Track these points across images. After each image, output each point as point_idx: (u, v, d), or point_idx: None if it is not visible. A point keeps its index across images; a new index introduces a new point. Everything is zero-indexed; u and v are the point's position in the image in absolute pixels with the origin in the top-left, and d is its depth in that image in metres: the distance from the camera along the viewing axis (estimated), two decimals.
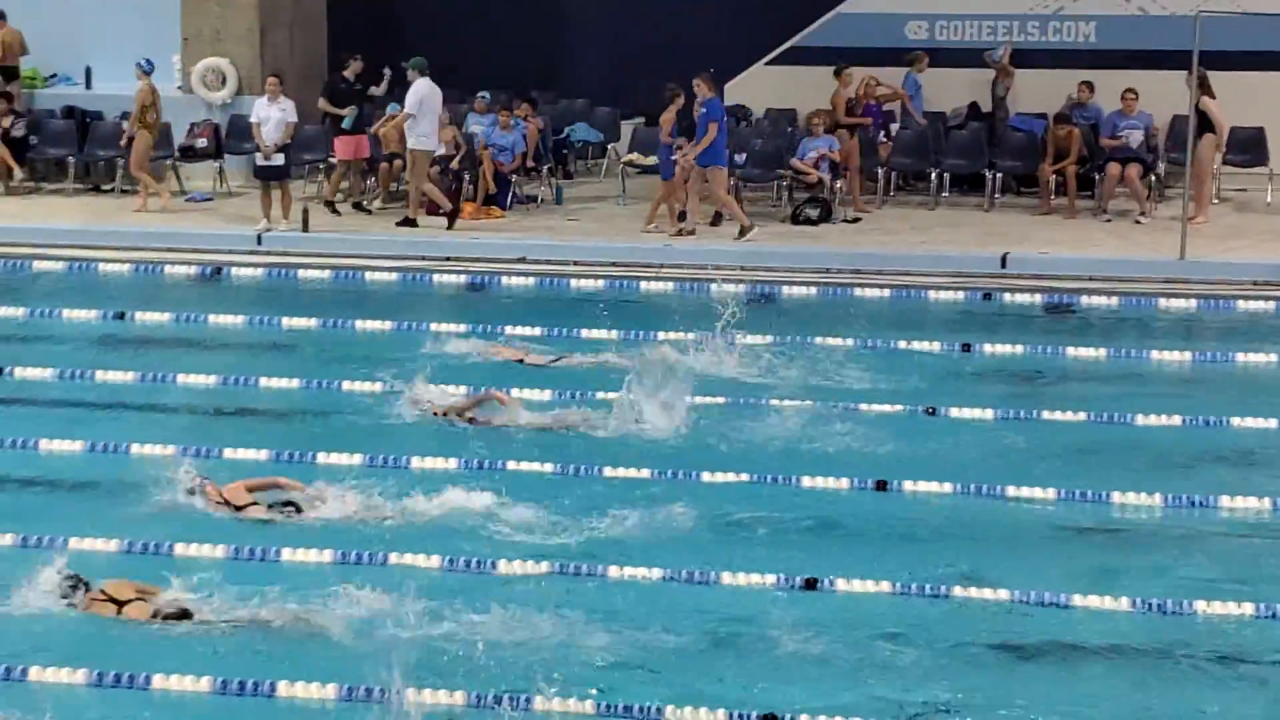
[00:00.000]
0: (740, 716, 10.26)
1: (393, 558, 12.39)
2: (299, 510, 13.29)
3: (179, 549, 12.51)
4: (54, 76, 27.24)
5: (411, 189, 23.70)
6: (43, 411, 15.99)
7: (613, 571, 12.31)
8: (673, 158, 23.15)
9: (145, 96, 24.36)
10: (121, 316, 19.20)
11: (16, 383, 16.84)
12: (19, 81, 26.16)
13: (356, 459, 14.46)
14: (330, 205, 24.03)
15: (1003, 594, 12.03)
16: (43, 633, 11.20)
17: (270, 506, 13.34)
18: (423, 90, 23.42)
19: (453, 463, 14.39)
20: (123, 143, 24.80)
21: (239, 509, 13.26)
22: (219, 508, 13.26)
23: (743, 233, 22.75)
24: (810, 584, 12.16)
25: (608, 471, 14.29)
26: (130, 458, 14.60)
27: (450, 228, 23.29)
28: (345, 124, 24.33)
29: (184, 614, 11.41)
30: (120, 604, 11.49)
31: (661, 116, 23.36)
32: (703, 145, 22.65)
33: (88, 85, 26.84)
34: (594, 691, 10.51)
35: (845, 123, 24.51)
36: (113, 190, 25.52)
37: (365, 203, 24.58)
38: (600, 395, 15.94)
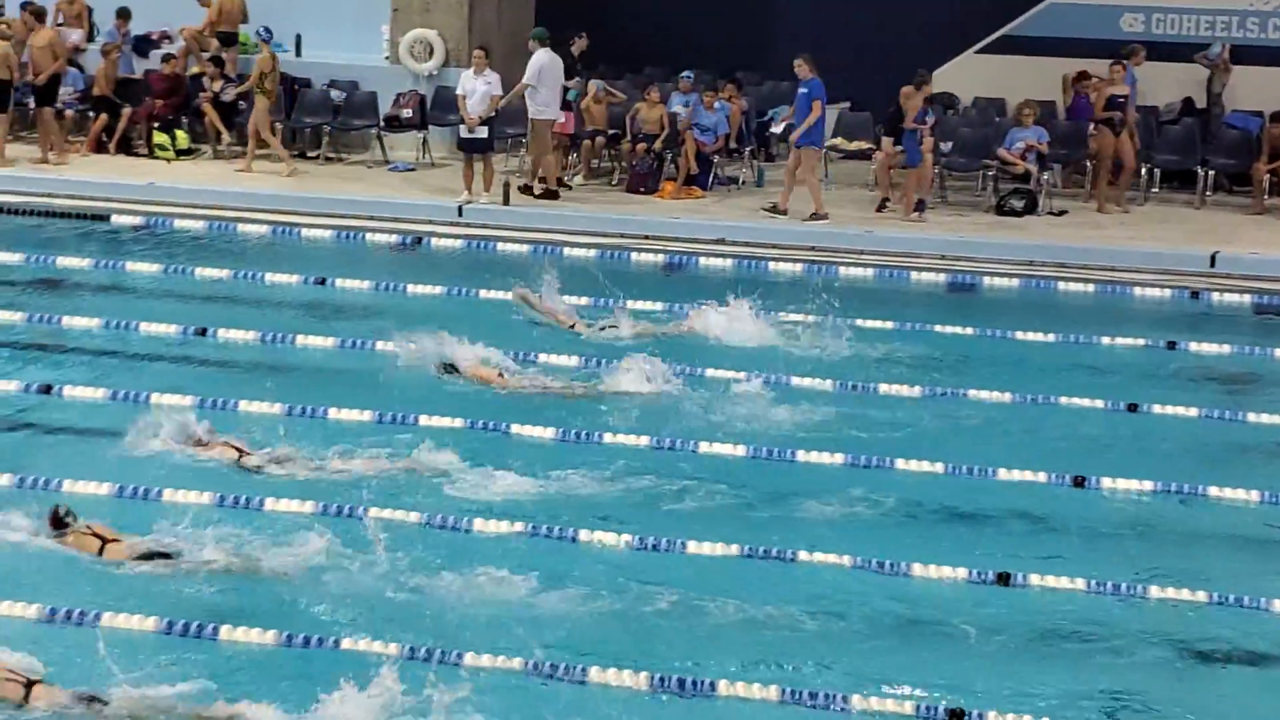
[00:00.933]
0: (927, 709, 10.21)
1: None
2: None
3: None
4: None
5: (532, 159, 24.01)
6: (244, 374, 16.27)
7: (803, 556, 12.29)
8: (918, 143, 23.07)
9: (265, 63, 24.80)
10: (323, 282, 19.48)
11: (220, 343, 17.14)
12: (236, 48, 26.61)
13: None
14: (527, 189, 24.13)
15: (1200, 595, 11.85)
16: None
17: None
18: (543, 60, 23.60)
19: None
20: (239, 103, 25.46)
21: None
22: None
23: (814, 217, 22.68)
24: (1003, 579, 12.05)
25: (799, 456, 14.28)
26: (329, 422, 14.82)
27: (552, 198, 23.62)
28: (570, 95, 24.61)
29: (163, 555, 11.86)
30: (105, 541, 11.93)
31: (909, 102, 23.14)
32: (805, 125, 22.71)
33: (297, 53, 27.20)
34: (780, 677, 10.54)
35: (1099, 117, 23.94)
36: (318, 157, 25.88)
37: (566, 178, 24.70)
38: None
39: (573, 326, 17.70)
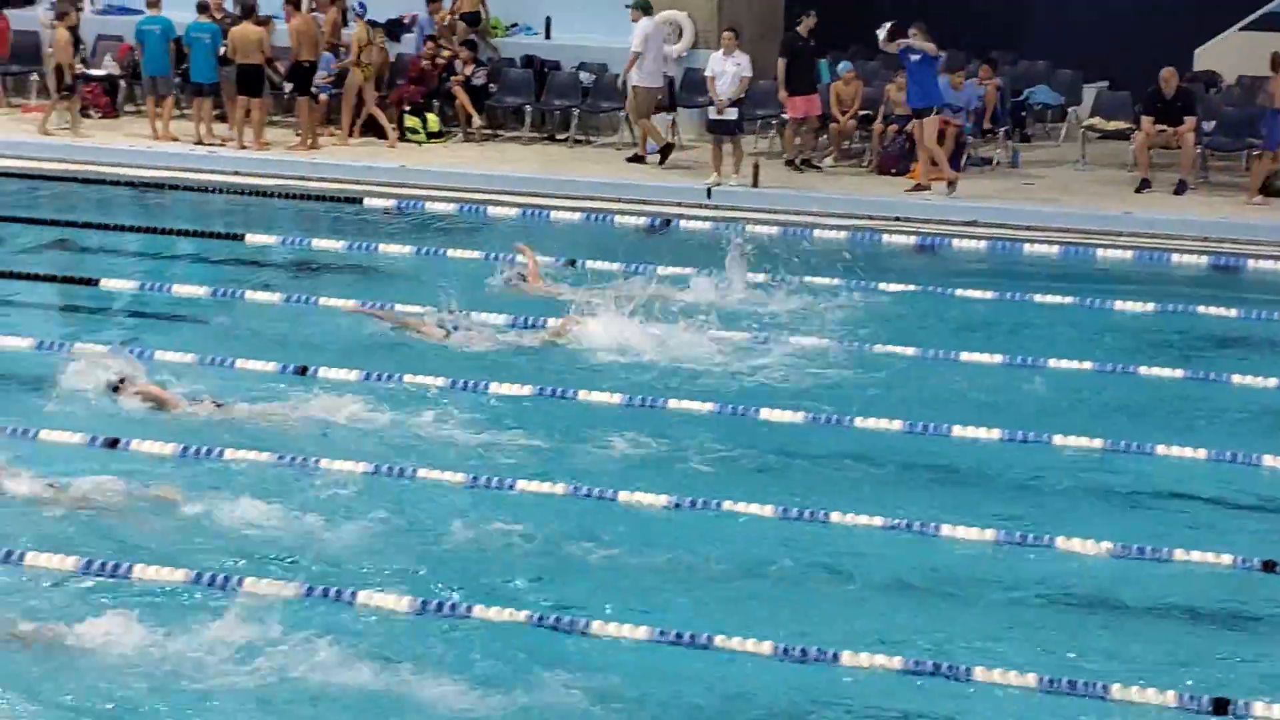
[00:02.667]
0: (1190, 699, 10.02)
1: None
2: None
3: None
4: (514, 26, 27.91)
5: (635, 125, 24.70)
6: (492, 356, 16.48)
7: (1060, 544, 12.16)
8: None
9: (361, 37, 25.32)
10: (572, 264, 19.62)
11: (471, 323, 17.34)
12: (483, 27, 26.93)
13: None
14: (791, 163, 24.13)
15: None
16: None
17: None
18: (647, 29, 24.17)
19: None
20: (328, 79, 25.70)
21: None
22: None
23: (951, 186, 22.93)
24: (1269, 566, 11.80)
25: (1058, 440, 14.14)
26: (577, 403, 14.96)
27: (662, 164, 24.25)
28: (824, 78, 24.60)
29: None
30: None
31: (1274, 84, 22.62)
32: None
33: (547, 35, 27.45)
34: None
35: None
36: (566, 140, 26.09)
37: (816, 160, 24.61)
38: None
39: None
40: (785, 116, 24.66)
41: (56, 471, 12.85)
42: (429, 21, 26.95)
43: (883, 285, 18.46)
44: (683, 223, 22.08)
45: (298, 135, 25.37)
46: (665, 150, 24.42)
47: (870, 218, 22.16)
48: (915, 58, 22.82)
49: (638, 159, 24.58)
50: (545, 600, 11.28)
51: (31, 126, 25.78)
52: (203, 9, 25.41)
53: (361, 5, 26.06)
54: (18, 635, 10.58)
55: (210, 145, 24.98)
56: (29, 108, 27.04)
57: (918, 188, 23.03)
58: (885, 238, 21.40)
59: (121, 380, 14.54)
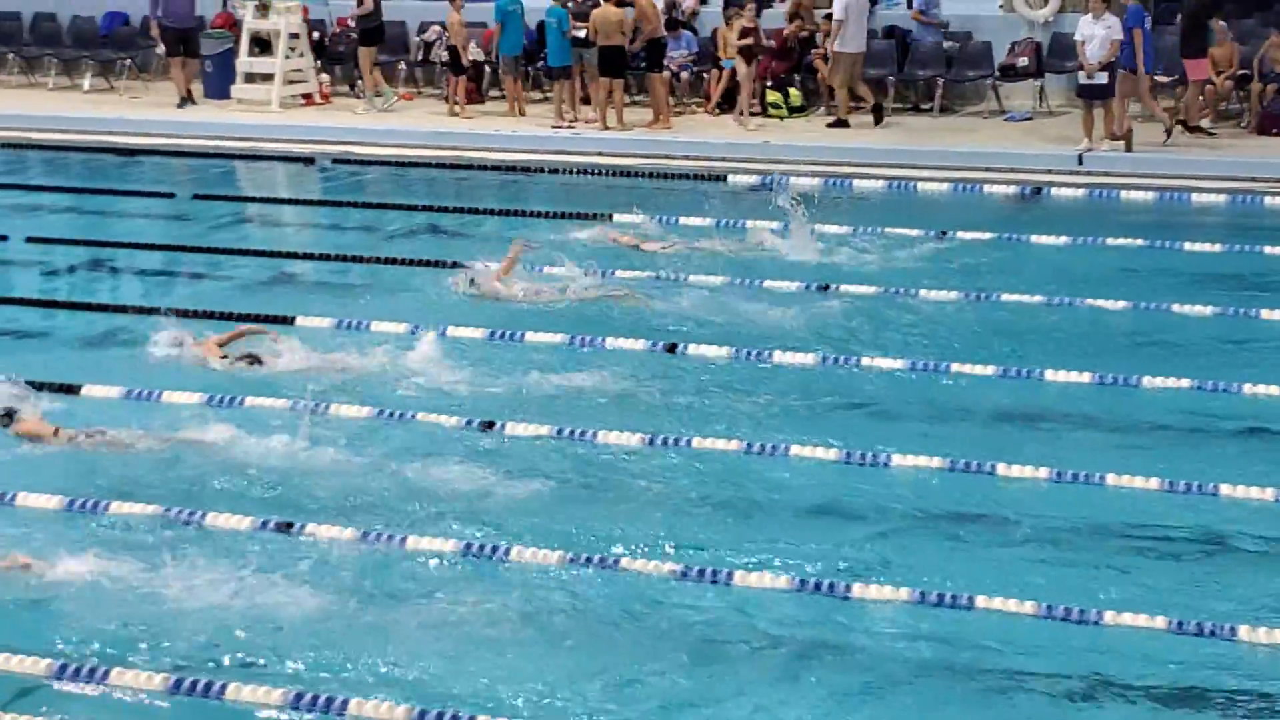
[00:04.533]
0: None
1: None
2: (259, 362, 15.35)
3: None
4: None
5: (836, 89, 25.09)
6: (866, 328, 16.43)
7: None
8: None
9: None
10: (943, 235, 19.46)
11: (842, 296, 17.33)
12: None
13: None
14: (1184, 125, 23.58)
15: None
16: None
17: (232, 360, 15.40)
18: None
19: None
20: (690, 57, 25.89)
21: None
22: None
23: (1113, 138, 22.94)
24: None
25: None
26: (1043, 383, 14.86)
27: (877, 124, 24.84)
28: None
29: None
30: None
31: None
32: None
33: (908, 4, 27.27)
34: None
35: None
36: (931, 109, 25.86)
37: (1205, 124, 23.98)
38: None
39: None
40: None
41: None
42: None
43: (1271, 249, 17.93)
44: (1054, 190, 21.74)
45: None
46: (877, 111, 24.76)
47: (1254, 179, 21.52)
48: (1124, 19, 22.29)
49: (841, 123, 24.87)
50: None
51: (403, 112, 26.58)
52: None
53: None
54: None
55: (568, 126, 25.35)
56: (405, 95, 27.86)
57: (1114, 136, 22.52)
58: (1269, 200, 20.78)
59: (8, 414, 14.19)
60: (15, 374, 14.68)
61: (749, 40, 25.27)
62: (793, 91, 25.90)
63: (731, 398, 14.72)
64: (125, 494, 12.80)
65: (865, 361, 15.38)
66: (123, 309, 17.29)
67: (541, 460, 13.47)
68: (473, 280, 17.60)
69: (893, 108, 25.97)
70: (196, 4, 27.84)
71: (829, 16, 26.00)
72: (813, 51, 26.05)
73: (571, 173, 23.15)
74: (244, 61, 27.79)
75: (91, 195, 22.90)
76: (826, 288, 17.54)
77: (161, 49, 27.81)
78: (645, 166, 23.39)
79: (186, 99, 27.21)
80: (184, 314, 16.77)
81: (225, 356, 15.59)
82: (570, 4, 25.61)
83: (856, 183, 22.33)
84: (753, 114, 25.60)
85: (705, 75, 26.55)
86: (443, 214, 21.24)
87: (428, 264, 18.64)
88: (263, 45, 27.92)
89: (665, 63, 25.97)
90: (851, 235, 19.56)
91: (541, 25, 26.13)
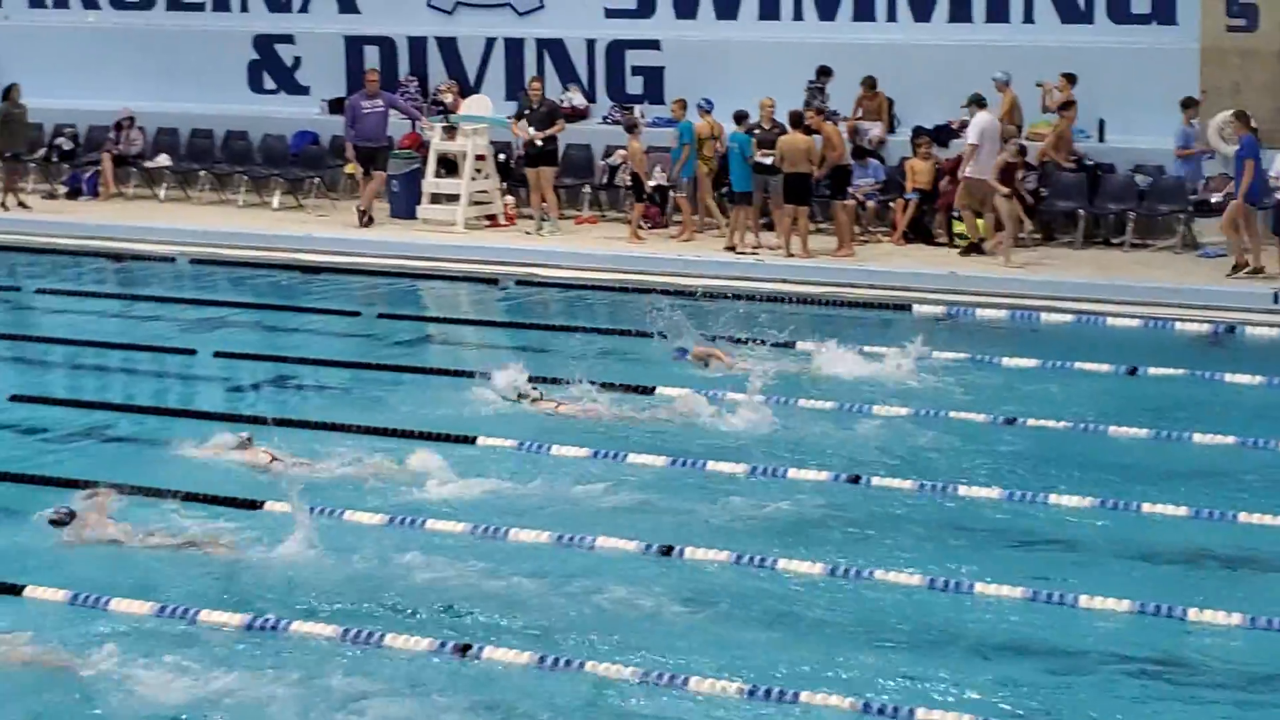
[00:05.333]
0: None
1: None
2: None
3: None
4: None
5: (962, 213, 25.42)
6: (1052, 464, 16.25)
7: None
8: None
9: (703, 130, 26.21)
10: (1132, 372, 19.25)
11: (1029, 431, 17.16)
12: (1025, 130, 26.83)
13: None
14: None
15: None
16: None
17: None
18: (983, 123, 25.16)
19: None
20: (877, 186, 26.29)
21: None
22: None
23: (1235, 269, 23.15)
24: None
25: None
26: (1143, 515, 14.62)
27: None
28: None
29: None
30: None
31: None
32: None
33: (1100, 138, 27.07)
34: None
35: None
36: (1122, 244, 25.63)
37: None
38: None
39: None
40: None
41: None
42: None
43: None
44: (1248, 329, 21.44)
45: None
46: (975, 245, 25.14)
47: None
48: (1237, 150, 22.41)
49: (975, 248, 25.10)
50: None
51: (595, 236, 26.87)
52: (739, 119, 25.97)
53: (708, 102, 26.68)
54: None
55: (746, 253, 25.43)
56: (580, 219, 28.07)
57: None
58: None
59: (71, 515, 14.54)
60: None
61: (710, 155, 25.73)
62: (981, 223, 25.79)
63: (915, 530, 14.60)
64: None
65: (1052, 498, 15.20)
66: (305, 424, 17.52)
67: (720, 587, 13.43)
68: (521, 394, 18.07)
69: (1081, 241, 25.77)
70: (387, 124, 28.32)
71: (1021, 149, 25.92)
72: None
73: (754, 299, 23.20)
74: (430, 182, 28.20)
75: (278, 311, 23.28)
76: (1012, 421, 17.40)
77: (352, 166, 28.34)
78: (829, 294, 23.37)
79: (364, 215, 27.59)
80: (367, 430, 17.01)
81: (277, 460, 16.11)
82: (756, 131, 25.75)
83: (1044, 316, 22.16)
84: (939, 243, 25.63)
85: (891, 204, 26.52)
86: (624, 337, 21.31)
87: (610, 387, 18.70)
88: (449, 166, 28.33)
89: (850, 190, 26.01)
90: (1039, 369, 19.41)
91: (724, 151, 26.31)
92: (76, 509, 14.56)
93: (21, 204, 29.26)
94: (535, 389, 18.09)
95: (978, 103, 25.51)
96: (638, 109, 28.78)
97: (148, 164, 30.66)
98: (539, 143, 26.96)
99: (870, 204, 26.41)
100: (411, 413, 17.96)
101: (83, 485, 15.09)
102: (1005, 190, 24.50)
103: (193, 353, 20.50)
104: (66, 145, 31.09)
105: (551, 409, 17.91)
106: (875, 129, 27.34)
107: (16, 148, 29.30)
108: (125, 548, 14.24)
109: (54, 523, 14.48)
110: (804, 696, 11.55)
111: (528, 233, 27.04)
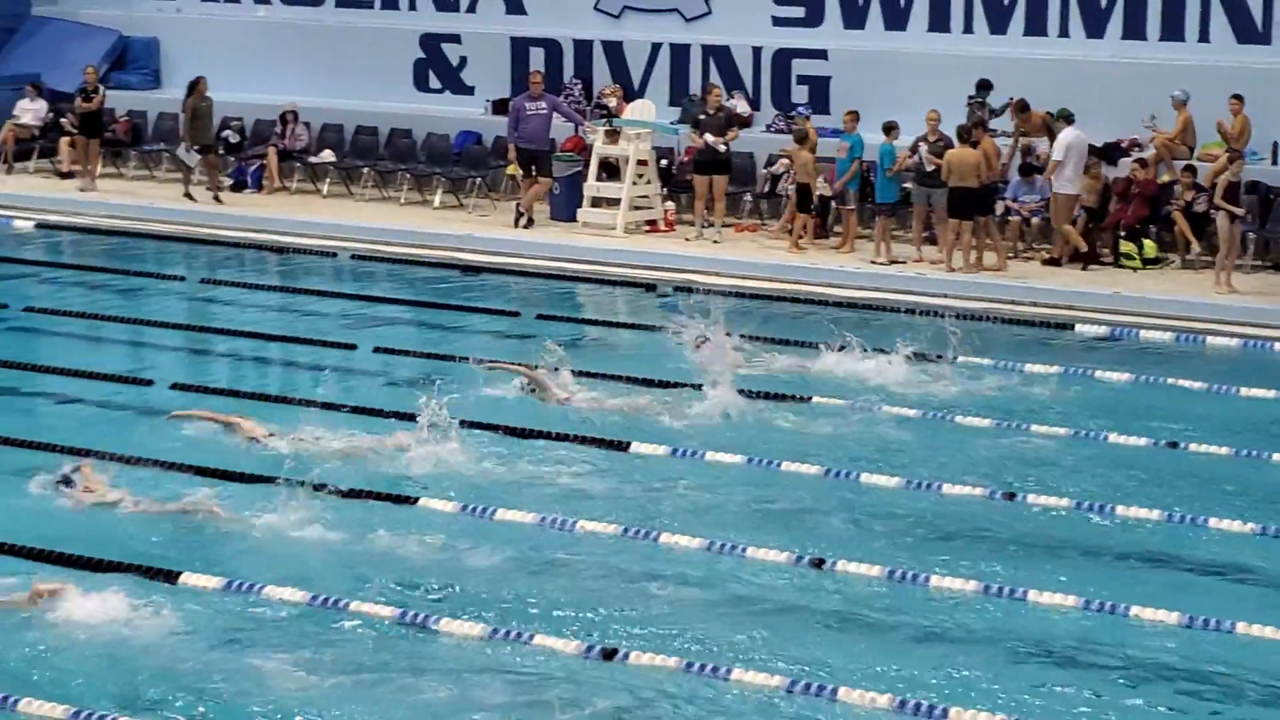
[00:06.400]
0: None
1: None
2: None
3: None
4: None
5: (1057, 229, 25.52)
6: (1213, 491, 16.16)
7: None
8: None
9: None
10: None
11: (1191, 456, 17.08)
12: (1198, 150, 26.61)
13: None
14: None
15: None
16: None
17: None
18: (1068, 138, 25.26)
19: None
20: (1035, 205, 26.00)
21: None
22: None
23: None
24: None
25: None
26: None
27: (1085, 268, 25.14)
28: None
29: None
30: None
31: None
32: None
33: (1274, 161, 26.80)
34: None
35: None
36: None
37: None
38: None
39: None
40: None
41: None
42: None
43: None
44: None
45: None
46: (1080, 255, 25.31)
47: None
48: None
49: (1054, 261, 25.47)
50: None
51: (756, 245, 26.93)
52: (888, 130, 25.97)
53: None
54: None
55: (880, 263, 25.46)
56: (740, 227, 28.15)
57: None
58: None
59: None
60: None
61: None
62: (1148, 243, 25.60)
63: (1073, 551, 14.56)
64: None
65: (1213, 523, 15.10)
66: (466, 423, 17.80)
67: (870, 599, 13.50)
68: (534, 386, 18.63)
69: (1251, 264, 25.50)
70: (550, 127, 28.55)
71: (1189, 168, 25.72)
72: (1171, 203, 25.74)
73: (913, 313, 23.18)
74: (591, 186, 28.40)
75: (437, 310, 23.55)
76: (1175, 445, 17.30)
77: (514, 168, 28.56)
78: (989, 310, 23.31)
79: (523, 217, 27.82)
80: (513, 433, 17.27)
81: (272, 434, 16.93)
82: (923, 143, 25.72)
83: (1210, 340, 21.98)
84: (1103, 263, 25.46)
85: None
86: (785, 345, 21.31)
87: (759, 395, 18.79)
88: (611, 170, 28.52)
89: (1016, 208, 25.94)
90: (1204, 392, 19.27)
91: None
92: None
93: (214, 197, 29.53)
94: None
95: (1066, 119, 25.45)
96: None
97: (312, 159, 31.13)
98: (720, 149, 26.98)
99: (1035, 221, 26.28)
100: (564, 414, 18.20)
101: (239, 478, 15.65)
102: (1239, 210, 24.21)
103: (353, 347, 20.80)
104: (233, 138, 31.60)
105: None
106: (1042, 145, 27.20)
107: (206, 140, 29.74)
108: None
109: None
110: (953, 713, 11.59)
111: (687, 239, 27.13)
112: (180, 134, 30.16)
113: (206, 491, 15.36)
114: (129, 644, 12.59)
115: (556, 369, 18.86)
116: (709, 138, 26.95)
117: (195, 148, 29.46)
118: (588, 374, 19.44)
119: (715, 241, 26.84)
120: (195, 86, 29.53)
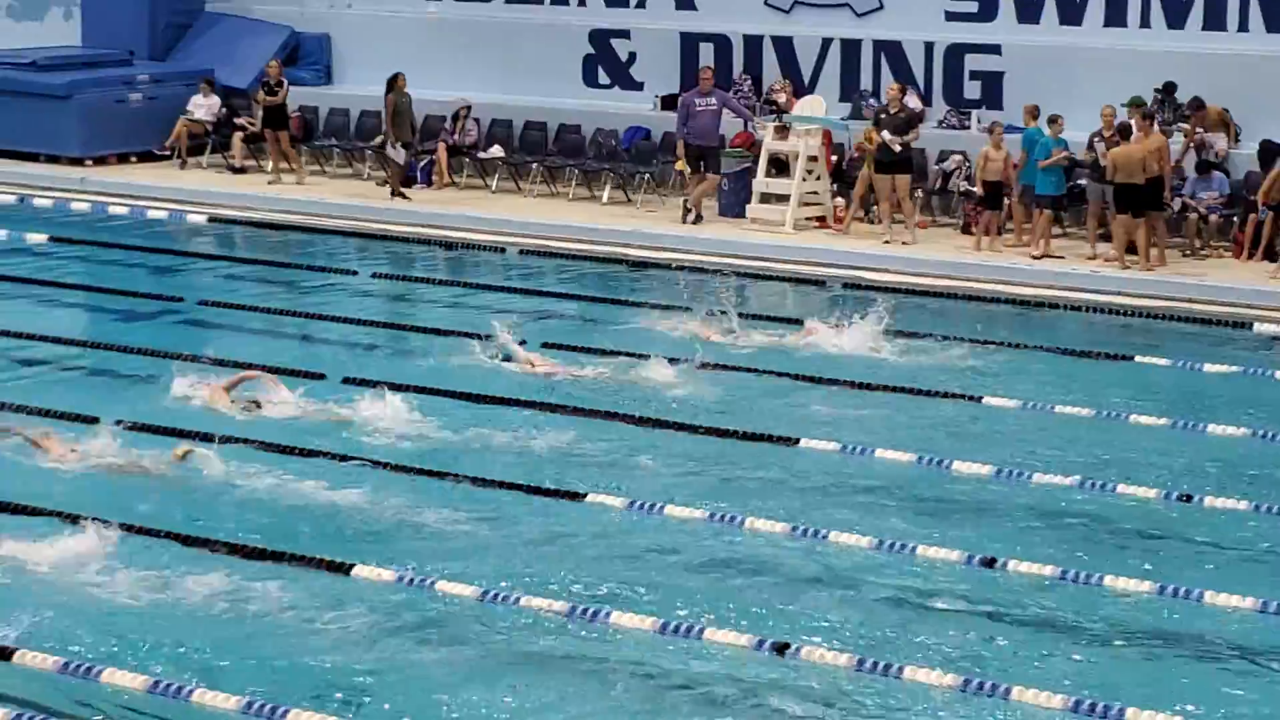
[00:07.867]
0: None
1: None
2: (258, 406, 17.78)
3: None
4: None
5: None
6: None
7: None
8: None
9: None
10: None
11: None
12: None
13: None
14: None
15: None
16: None
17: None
18: None
19: None
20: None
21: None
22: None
23: None
24: None
25: None
26: None
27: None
28: None
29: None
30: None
31: None
32: None
33: None
34: None
35: None
36: None
37: None
38: None
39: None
40: None
41: None
42: None
43: None
44: None
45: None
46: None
47: None
48: None
49: None
50: None
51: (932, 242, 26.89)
52: (1052, 122, 25.83)
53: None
54: None
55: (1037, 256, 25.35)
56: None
57: None
58: None
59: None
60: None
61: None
62: None
63: (1249, 555, 14.53)
64: None
65: None
66: (613, 416, 18.10)
67: (1040, 600, 13.54)
68: (508, 356, 19.85)
69: None
70: (720, 123, 28.65)
71: None
72: None
73: (1090, 310, 23.07)
74: (760, 181, 28.46)
75: (604, 304, 23.72)
76: None
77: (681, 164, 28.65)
78: (1165, 309, 23.14)
79: (691, 212, 27.93)
80: (664, 425, 17.41)
81: (234, 402, 17.89)
82: (1099, 139, 25.56)
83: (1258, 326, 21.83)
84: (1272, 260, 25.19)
85: (1234, 219, 26.09)
86: (958, 343, 21.24)
87: (925, 394, 18.84)
88: (780, 166, 28.57)
89: (1194, 205, 25.71)
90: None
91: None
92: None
93: (397, 193, 29.95)
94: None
95: (1138, 106, 25.53)
96: (974, 114, 28.81)
97: (481, 155, 31.45)
98: (896, 148, 26.89)
99: (1213, 218, 26.02)
100: (728, 413, 18.37)
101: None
102: None
103: (524, 343, 21.00)
104: None
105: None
106: (1220, 141, 26.92)
107: (407, 137, 30.08)
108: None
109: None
110: (1129, 714, 11.59)
111: (885, 241, 26.91)
112: (383, 131, 30.56)
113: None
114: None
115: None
116: (885, 135, 26.88)
117: (399, 144, 29.87)
118: (760, 370, 19.57)
119: (905, 243, 26.71)
120: (394, 83, 29.88)
